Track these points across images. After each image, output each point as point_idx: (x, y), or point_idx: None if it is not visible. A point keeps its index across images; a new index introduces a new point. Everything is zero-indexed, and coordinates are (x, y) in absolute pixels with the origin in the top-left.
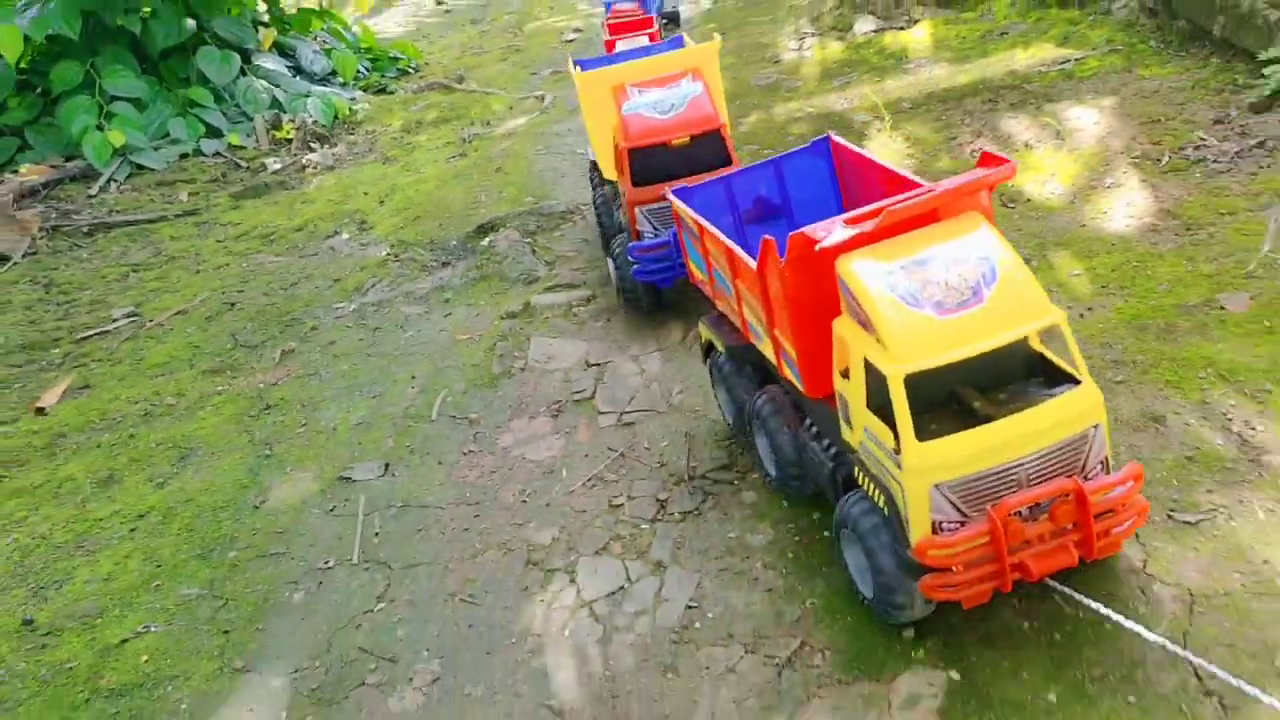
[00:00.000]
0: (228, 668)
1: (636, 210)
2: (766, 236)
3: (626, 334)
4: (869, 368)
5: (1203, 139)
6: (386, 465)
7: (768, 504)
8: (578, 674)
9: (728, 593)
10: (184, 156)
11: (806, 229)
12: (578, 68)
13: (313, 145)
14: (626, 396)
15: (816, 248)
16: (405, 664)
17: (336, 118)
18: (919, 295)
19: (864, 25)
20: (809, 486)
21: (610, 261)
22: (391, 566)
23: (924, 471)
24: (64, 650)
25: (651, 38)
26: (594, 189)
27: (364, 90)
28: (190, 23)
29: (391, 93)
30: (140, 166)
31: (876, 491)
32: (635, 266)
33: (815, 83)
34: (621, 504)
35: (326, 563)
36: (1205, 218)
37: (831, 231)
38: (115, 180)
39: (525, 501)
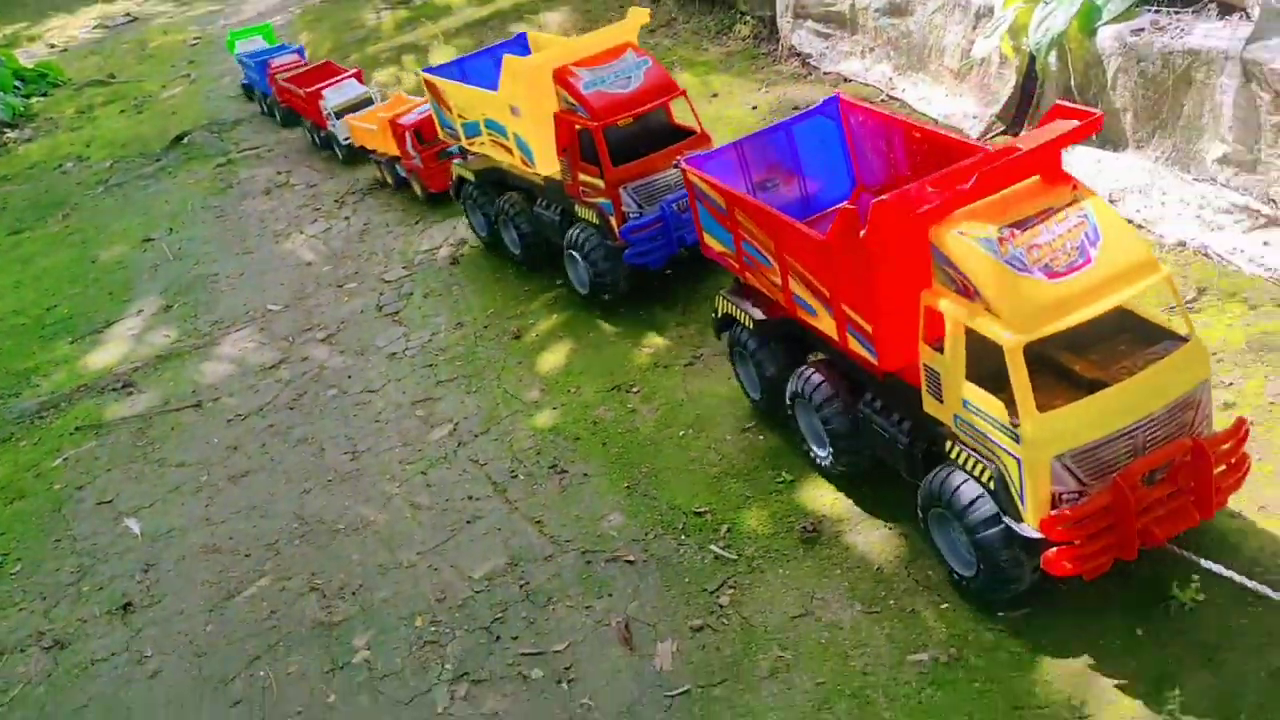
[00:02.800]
0: None
1: (621, 191)
2: (845, 206)
3: (303, 155)
4: (973, 337)
5: None
6: (150, 239)
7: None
8: None
9: None
10: None
11: (887, 197)
12: (428, 73)
13: (4, 130)
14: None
15: (917, 212)
16: None
17: (16, 114)
18: (1025, 260)
19: None
20: (863, 463)
21: (577, 256)
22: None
23: (1045, 443)
24: None
25: (358, 77)
26: (489, 210)
27: (26, 97)
28: None
29: (50, 95)
30: None
31: (978, 466)
32: (628, 250)
33: (392, 31)
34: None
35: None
36: None
37: (918, 198)
38: None
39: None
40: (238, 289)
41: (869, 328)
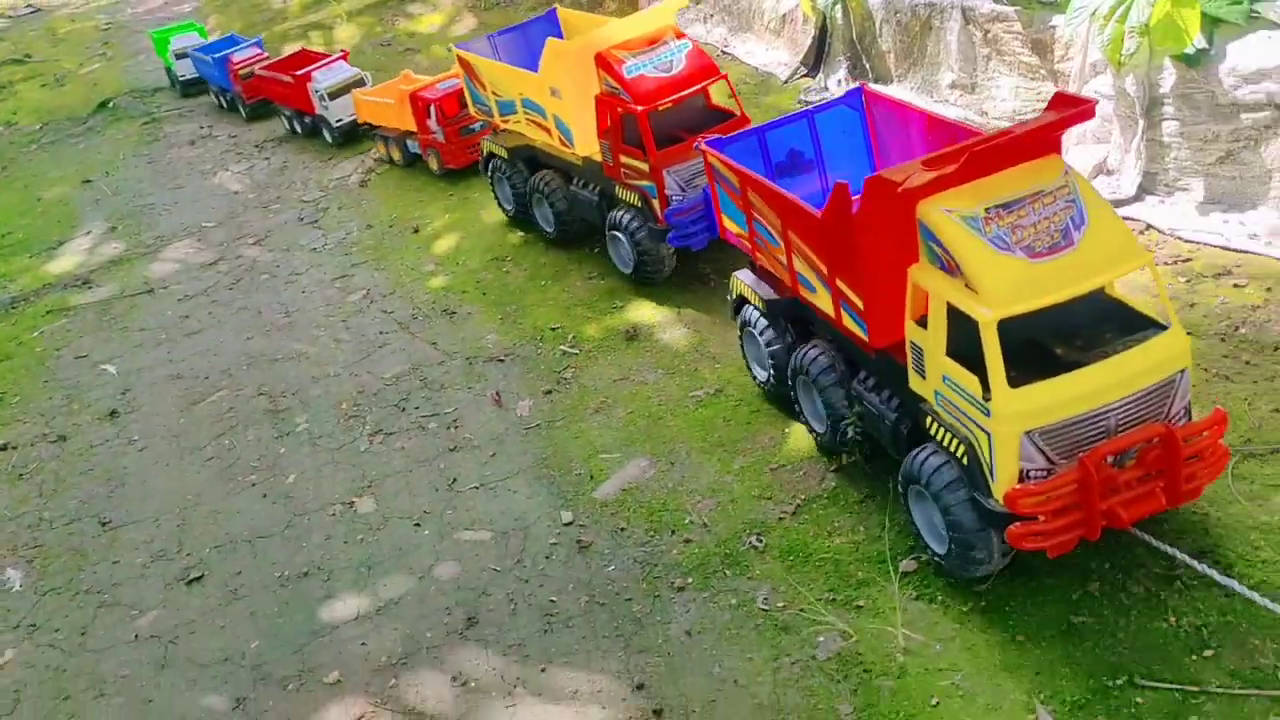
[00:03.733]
0: None
1: (665, 175)
2: (840, 181)
3: (223, 113)
4: (954, 313)
5: None
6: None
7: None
8: None
9: None
10: None
11: (884, 172)
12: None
13: None
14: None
15: (900, 189)
16: None
17: None
18: (1008, 239)
19: None
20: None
21: (621, 237)
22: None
23: (1015, 418)
24: None
25: (344, 56)
26: (520, 187)
27: None
28: None
29: None
30: None
31: (954, 442)
32: (671, 233)
33: (299, 11)
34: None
35: None
36: None
37: (910, 175)
38: None
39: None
40: (174, 213)
41: (860, 303)
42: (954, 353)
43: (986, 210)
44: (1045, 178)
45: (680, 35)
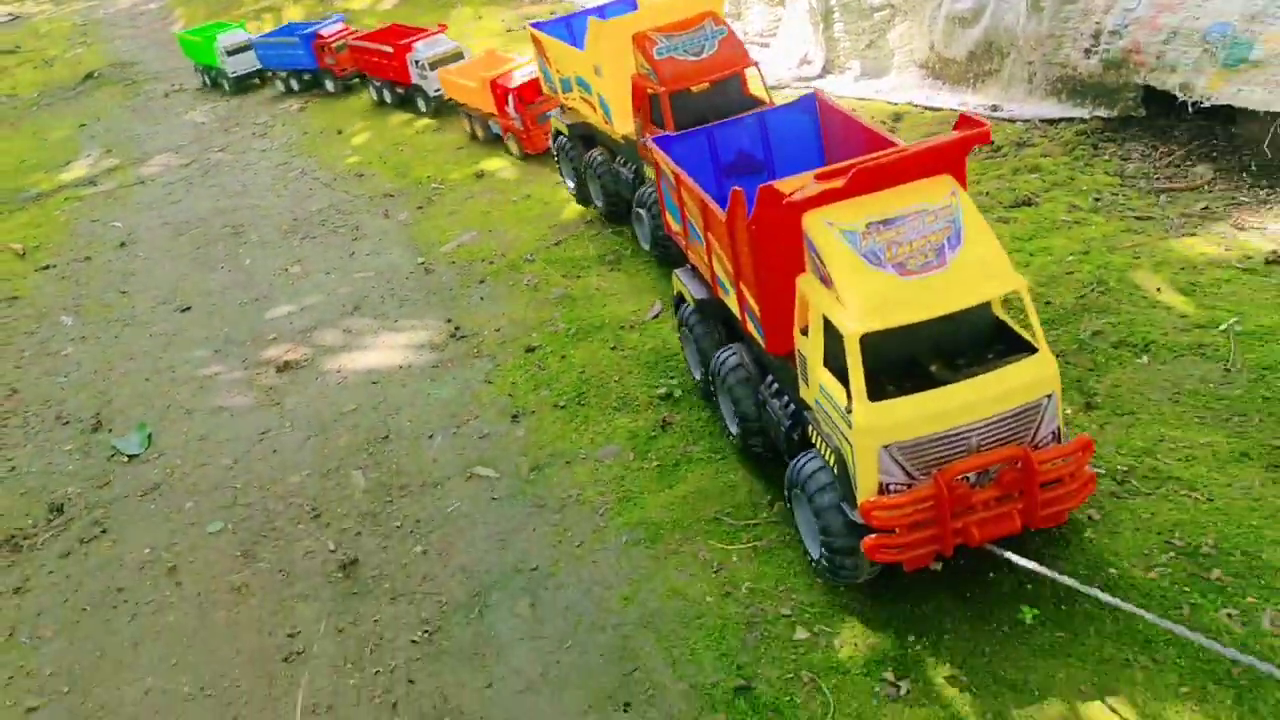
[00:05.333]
0: None
1: None
2: (736, 187)
3: (194, 77)
4: (827, 325)
5: None
6: (83, 125)
7: None
8: None
9: None
10: None
11: (776, 182)
12: (540, 33)
13: None
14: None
15: (785, 200)
16: None
17: None
18: (882, 255)
19: None
20: (764, 447)
21: (644, 214)
22: None
23: (874, 431)
24: None
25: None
26: (578, 163)
27: None
28: None
29: None
30: None
31: (828, 451)
32: None
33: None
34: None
35: None
36: None
37: (801, 186)
38: None
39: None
40: (155, 139)
41: (756, 309)
42: (834, 364)
43: (867, 225)
44: (930, 197)
45: (720, 21)
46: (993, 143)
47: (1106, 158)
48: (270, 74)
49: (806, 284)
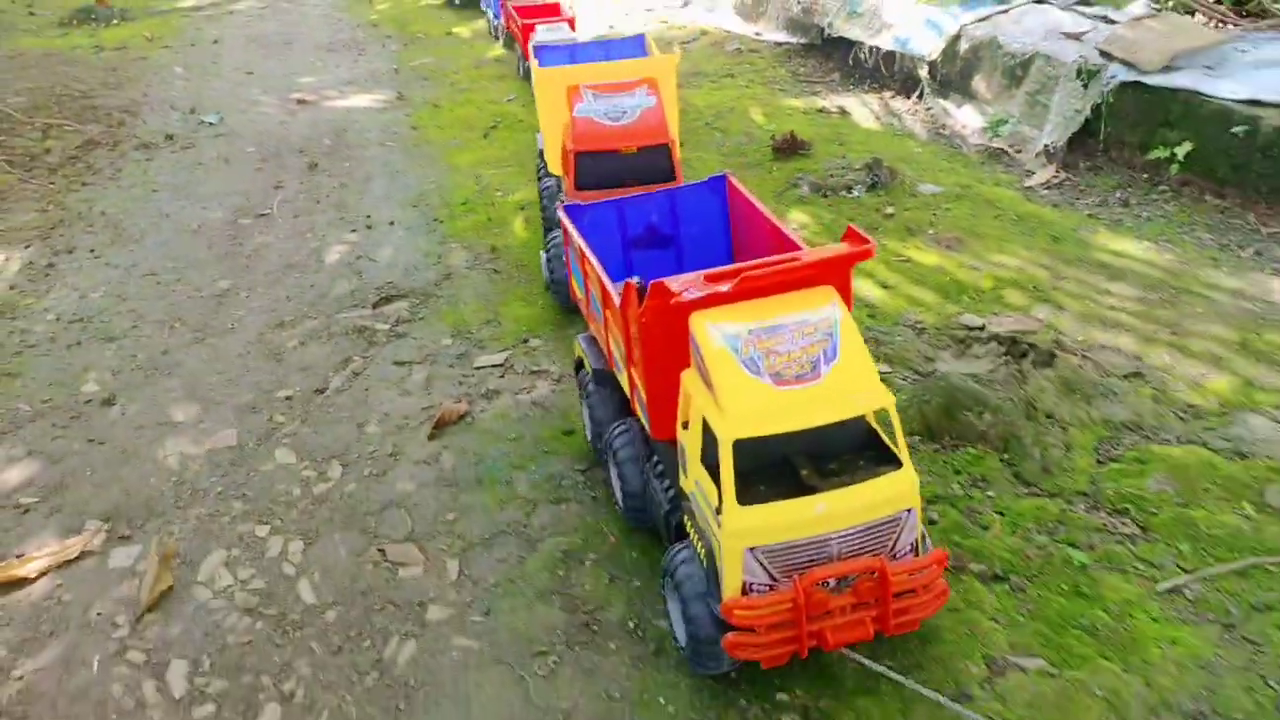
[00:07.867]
0: None
1: None
2: (629, 280)
3: None
4: (705, 425)
5: None
6: None
7: None
8: None
9: None
10: None
11: (668, 279)
12: (536, 61)
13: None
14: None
15: (673, 300)
16: None
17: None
18: (760, 363)
19: None
20: (649, 521)
21: (544, 255)
22: None
23: (740, 534)
24: None
25: (570, 23)
26: (539, 179)
27: None
28: None
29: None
30: None
31: (700, 543)
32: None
33: None
34: None
35: None
36: None
37: (691, 286)
38: None
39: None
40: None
41: (644, 396)
42: (709, 462)
43: (749, 332)
44: (813, 308)
45: (654, 91)
46: (873, 256)
47: (792, 65)
48: None
49: (690, 381)
